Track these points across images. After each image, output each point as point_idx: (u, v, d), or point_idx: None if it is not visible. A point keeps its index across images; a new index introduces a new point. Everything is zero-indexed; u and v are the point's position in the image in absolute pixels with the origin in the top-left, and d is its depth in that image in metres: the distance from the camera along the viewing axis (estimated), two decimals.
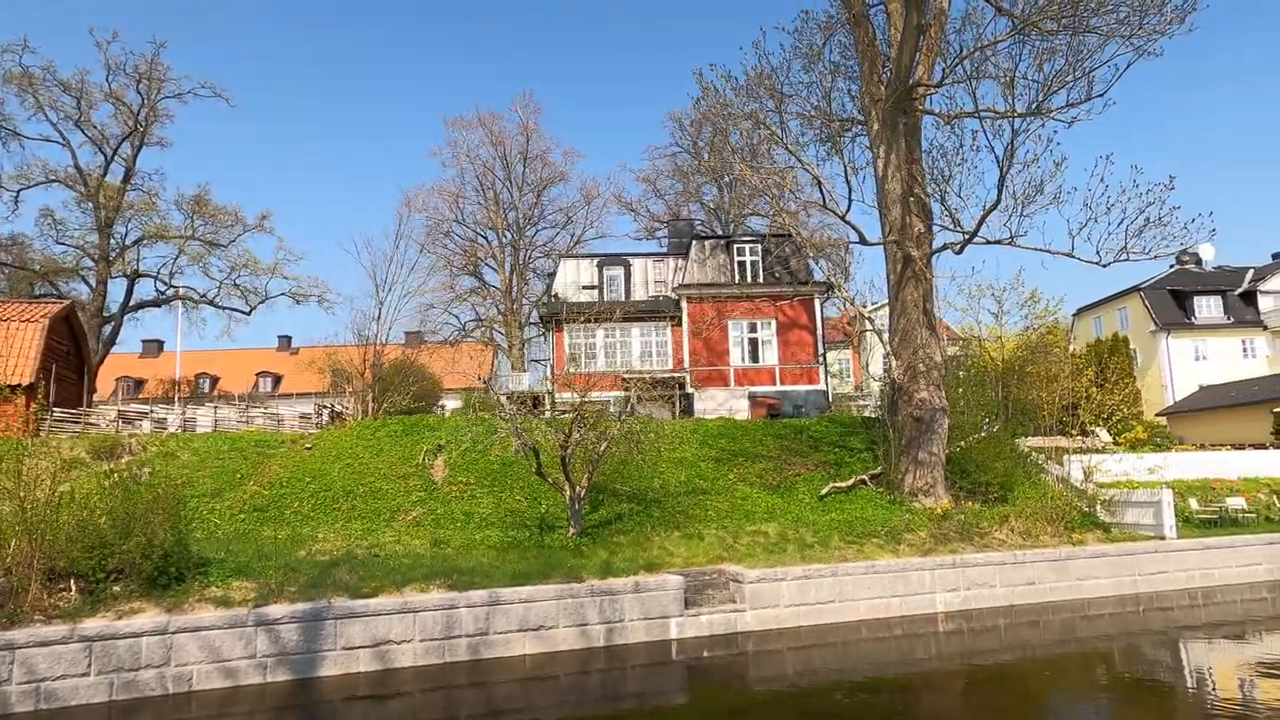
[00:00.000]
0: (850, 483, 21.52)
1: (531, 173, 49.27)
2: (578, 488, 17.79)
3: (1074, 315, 60.88)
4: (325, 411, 27.39)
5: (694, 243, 33.08)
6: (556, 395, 30.30)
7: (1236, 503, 22.53)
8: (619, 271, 34.46)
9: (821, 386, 31.51)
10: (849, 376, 50.16)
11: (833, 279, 25.76)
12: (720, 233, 40.42)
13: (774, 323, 31.65)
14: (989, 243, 19.28)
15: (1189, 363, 49.78)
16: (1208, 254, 57.08)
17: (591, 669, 13.77)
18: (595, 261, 34.97)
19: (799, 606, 15.77)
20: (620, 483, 21.26)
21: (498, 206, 48.68)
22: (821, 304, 31.47)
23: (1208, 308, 51.09)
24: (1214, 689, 13.05)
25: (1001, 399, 24.69)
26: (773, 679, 14.01)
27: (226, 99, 45.04)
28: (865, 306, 29.75)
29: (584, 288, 33.89)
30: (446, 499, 20.06)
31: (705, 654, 14.61)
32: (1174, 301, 51.33)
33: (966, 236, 19.25)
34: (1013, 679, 13.75)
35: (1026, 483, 21.72)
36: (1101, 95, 18.73)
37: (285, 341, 67.47)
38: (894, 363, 21.48)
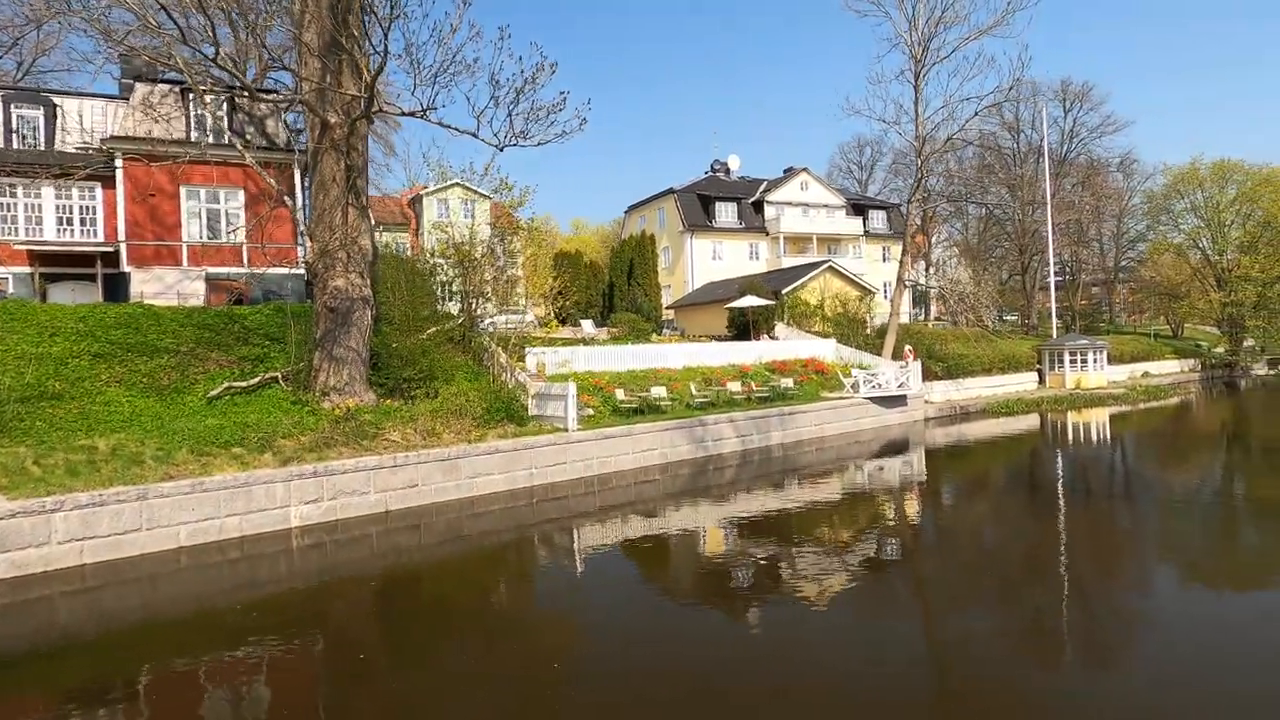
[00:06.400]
0: (255, 381, 18.75)
1: None
2: None
3: (626, 212, 64.63)
4: None
5: (137, 85, 26.55)
6: None
7: (659, 391, 24.26)
8: (38, 113, 26.72)
9: (302, 271, 27.94)
10: None
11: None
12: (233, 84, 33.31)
13: (243, 193, 26.98)
14: (403, 114, 17.18)
15: (708, 261, 55.45)
16: (734, 164, 63.79)
17: None
18: (1, 96, 26.67)
19: (84, 541, 12.76)
20: None
21: None
22: (309, 174, 27.45)
23: (726, 213, 57.00)
24: (582, 566, 13.48)
25: (464, 289, 23.61)
26: (23, 636, 10.98)
27: None
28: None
29: None
30: None
31: None
32: (700, 205, 56.36)
33: (365, 103, 16.85)
34: (364, 587, 12.61)
35: (461, 378, 20.94)
36: None
37: None
38: (310, 245, 18.79)
